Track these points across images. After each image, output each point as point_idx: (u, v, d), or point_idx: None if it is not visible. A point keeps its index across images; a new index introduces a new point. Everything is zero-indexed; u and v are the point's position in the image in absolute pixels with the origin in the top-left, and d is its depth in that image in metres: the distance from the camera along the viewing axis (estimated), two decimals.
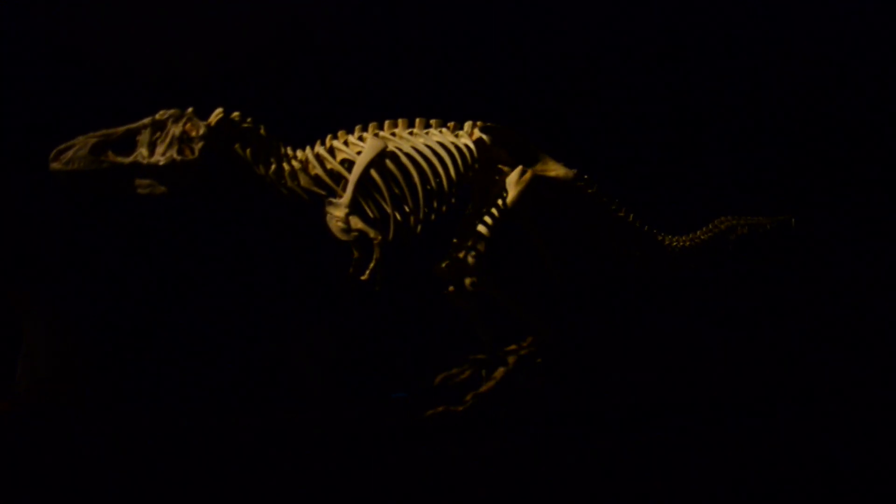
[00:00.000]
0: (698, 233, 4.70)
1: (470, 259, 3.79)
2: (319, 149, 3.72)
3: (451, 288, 3.86)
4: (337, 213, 3.57)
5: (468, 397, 3.82)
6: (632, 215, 4.36)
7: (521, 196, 3.90)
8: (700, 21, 5.56)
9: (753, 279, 5.76)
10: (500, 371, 3.89)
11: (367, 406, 4.85)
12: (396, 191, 3.67)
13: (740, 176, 5.86)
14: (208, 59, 4.87)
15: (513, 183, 3.92)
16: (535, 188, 3.95)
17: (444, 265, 3.87)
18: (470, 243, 3.82)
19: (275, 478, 3.18)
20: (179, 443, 3.93)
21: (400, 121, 3.85)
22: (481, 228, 3.85)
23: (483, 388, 3.82)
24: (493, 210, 3.88)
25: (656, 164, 5.70)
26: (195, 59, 4.83)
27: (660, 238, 4.48)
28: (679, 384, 5.50)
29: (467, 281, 3.80)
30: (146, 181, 3.29)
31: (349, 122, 3.85)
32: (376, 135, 3.75)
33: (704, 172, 5.79)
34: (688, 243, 4.60)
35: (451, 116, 4.00)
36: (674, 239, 4.57)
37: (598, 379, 5.59)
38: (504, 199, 3.90)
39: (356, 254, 3.56)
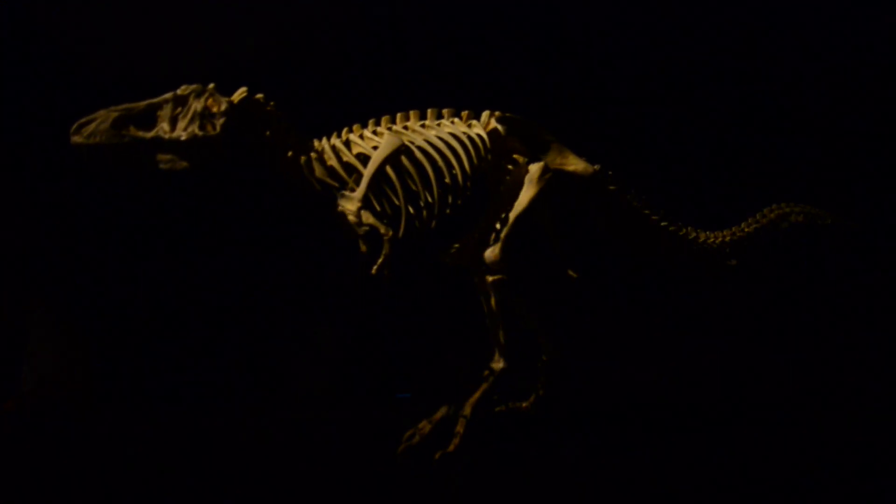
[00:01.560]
0: (742, 225, 4.43)
1: (493, 257, 3.68)
2: (336, 140, 3.69)
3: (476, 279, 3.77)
4: (350, 206, 3.52)
5: (437, 455, 3.45)
6: (660, 213, 4.20)
7: (540, 195, 3.79)
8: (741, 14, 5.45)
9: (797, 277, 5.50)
10: (461, 423, 3.57)
11: (371, 406, 4.83)
12: (412, 187, 3.62)
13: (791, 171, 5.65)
14: (218, 46, 4.84)
15: (531, 180, 3.80)
16: (554, 185, 3.84)
17: (452, 250, 3.85)
18: (491, 240, 3.73)
19: (278, 478, 3.17)
20: (183, 442, 3.93)
21: (411, 113, 3.81)
22: (500, 226, 3.76)
23: (451, 447, 3.49)
24: (513, 208, 3.77)
25: (696, 159, 5.55)
26: (207, 46, 4.81)
27: (692, 236, 4.27)
28: (697, 386, 5.38)
29: (490, 279, 3.70)
30: (167, 156, 3.23)
31: (366, 113, 3.80)
32: (390, 129, 3.72)
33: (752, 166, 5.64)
34: (728, 238, 4.35)
35: (473, 109, 3.92)
36: (711, 235, 4.34)
37: (613, 381, 5.46)
38: (523, 196, 3.78)
39: (363, 248, 3.48)
